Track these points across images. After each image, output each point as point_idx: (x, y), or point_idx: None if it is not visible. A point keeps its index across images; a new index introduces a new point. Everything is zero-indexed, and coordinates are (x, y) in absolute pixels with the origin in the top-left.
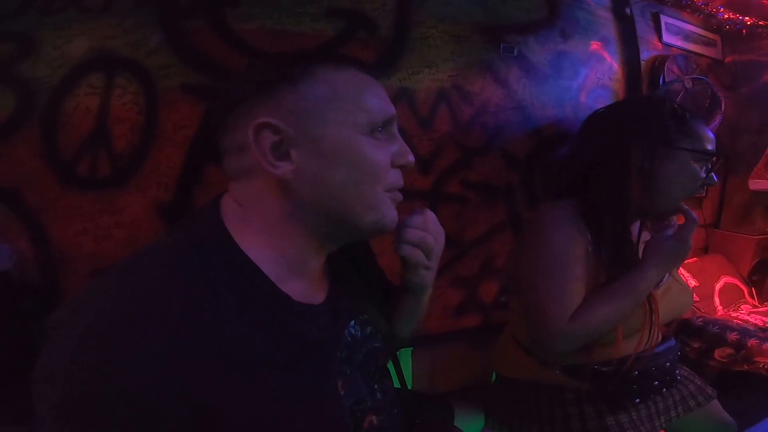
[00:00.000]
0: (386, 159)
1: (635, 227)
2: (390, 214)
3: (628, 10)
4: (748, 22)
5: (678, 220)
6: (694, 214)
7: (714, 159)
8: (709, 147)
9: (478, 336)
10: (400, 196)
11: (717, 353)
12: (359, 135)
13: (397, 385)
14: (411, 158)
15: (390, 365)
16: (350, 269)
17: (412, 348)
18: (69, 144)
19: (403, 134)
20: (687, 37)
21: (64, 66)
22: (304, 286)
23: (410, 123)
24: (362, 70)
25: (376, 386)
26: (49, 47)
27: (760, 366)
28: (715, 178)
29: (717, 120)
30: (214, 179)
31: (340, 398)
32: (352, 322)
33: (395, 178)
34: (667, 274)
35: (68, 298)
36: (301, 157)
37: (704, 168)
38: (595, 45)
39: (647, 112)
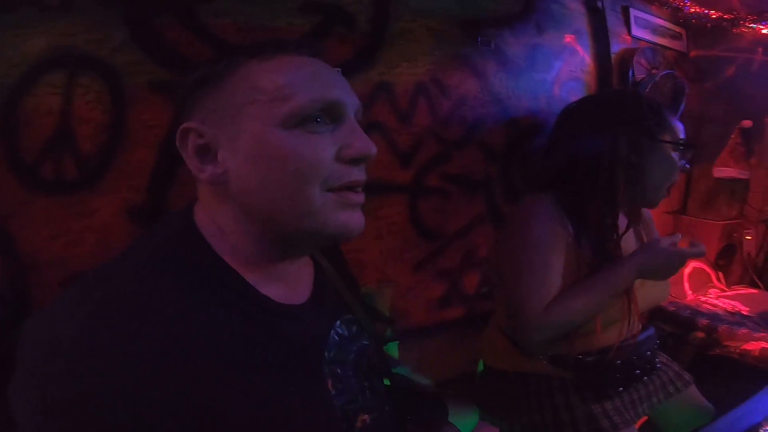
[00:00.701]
0: (321, 153)
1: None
2: (336, 220)
3: (599, 4)
4: (713, 16)
5: (681, 243)
6: (704, 248)
7: (685, 147)
8: (683, 136)
9: (462, 327)
10: (355, 198)
11: (689, 338)
12: (278, 129)
13: (387, 382)
14: (365, 149)
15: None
16: (332, 270)
17: (398, 342)
18: (31, 146)
19: (383, 128)
20: (655, 30)
21: (21, 65)
22: (284, 289)
23: (390, 117)
24: (299, 52)
25: (367, 384)
26: (5, 45)
27: (732, 350)
28: (687, 164)
29: (680, 111)
30: (188, 180)
31: (331, 398)
32: (338, 321)
33: (342, 173)
34: None
35: (41, 307)
36: (225, 159)
37: (679, 156)
38: (568, 38)
39: (628, 108)
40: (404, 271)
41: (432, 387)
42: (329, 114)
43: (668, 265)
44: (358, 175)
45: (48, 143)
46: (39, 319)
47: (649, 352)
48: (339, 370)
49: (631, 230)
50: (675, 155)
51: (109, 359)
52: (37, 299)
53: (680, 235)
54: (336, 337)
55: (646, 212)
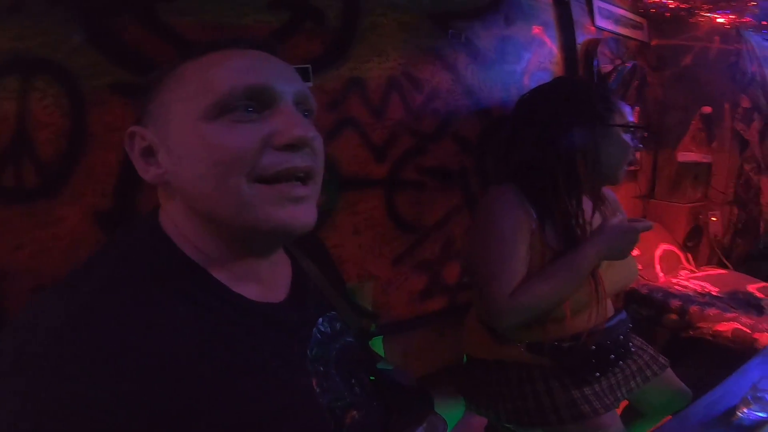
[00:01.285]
0: (244, 141)
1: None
2: (272, 215)
3: None
4: (671, 6)
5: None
6: (650, 223)
7: (635, 129)
8: (632, 119)
9: (446, 318)
10: (293, 191)
11: (663, 320)
12: (201, 121)
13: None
14: (297, 132)
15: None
16: (314, 268)
17: (382, 336)
18: None
19: (357, 124)
20: (617, 20)
21: None
22: (258, 288)
23: (362, 112)
24: (241, 47)
25: (353, 381)
26: None
27: (705, 332)
28: (639, 144)
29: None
30: None
31: (315, 396)
32: (320, 319)
33: (275, 161)
34: None
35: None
36: (164, 159)
37: (631, 137)
38: (536, 29)
39: (580, 97)
40: (384, 265)
41: (415, 381)
42: (258, 101)
43: (624, 242)
44: (298, 161)
45: (5, 150)
46: (5, 331)
47: (622, 336)
48: (322, 368)
49: (598, 213)
50: (627, 137)
51: (74, 372)
52: (6, 310)
53: (620, 207)
54: (318, 335)
55: (611, 194)
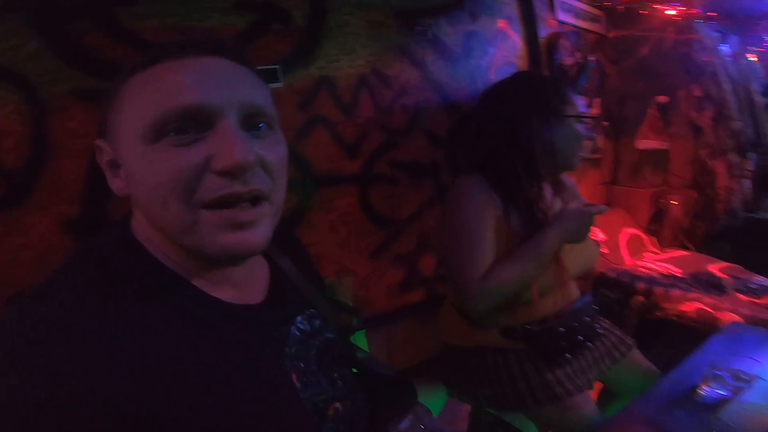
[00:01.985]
0: (183, 165)
1: (546, 192)
2: (214, 241)
3: None
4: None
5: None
6: (604, 206)
7: (586, 119)
8: (584, 109)
9: (426, 309)
10: (235, 216)
11: (632, 303)
12: (142, 144)
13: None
14: (228, 161)
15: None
16: (293, 268)
17: (364, 331)
18: None
19: (328, 122)
20: (577, 14)
21: None
22: (234, 291)
23: (333, 111)
24: (187, 54)
25: (336, 375)
26: None
27: (670, 312)
28: (590, 133)
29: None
30: None
31: (296, 392)
32: (299, 318)
33: (214, 185)
34: None
35: None
36: (124, 173)
37: (582, 126)
38: (501, 23)
39: (536, 90)
40: (362, 260)
41: (396, 373)
42: (195, 121)
43: (581, 224)
44: (238, 187)
45: None
46: None
47: (588, 318)
48: (302, 364)
49: (558, 199)
50: (580, 127)
51: (59, 372)
52: None
53: (604, 207)
54: (297, 333)
55: (570, 181)
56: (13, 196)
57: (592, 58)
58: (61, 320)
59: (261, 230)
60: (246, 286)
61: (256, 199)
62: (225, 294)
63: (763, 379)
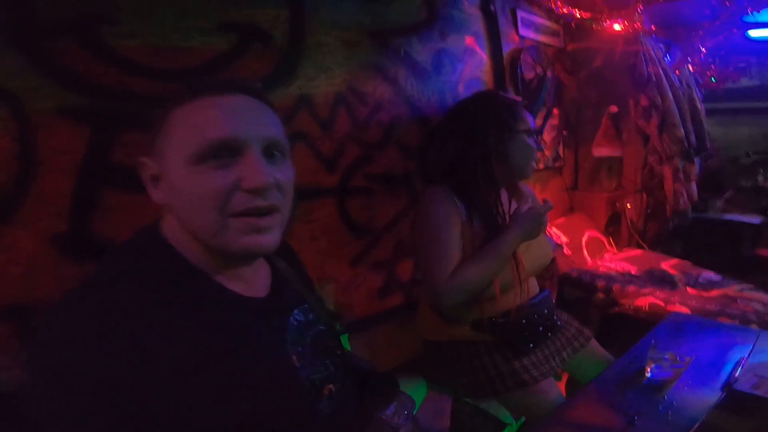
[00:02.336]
0: (219, 184)
1: (504, 198)
2: (237, 242)
3: (492, 7)
4: (577, 16)
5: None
6: (551, 203)
7: (535, 133)
8: (533, 125)
9: (405, 313)
10: (260, 223)
11: (593, 300)
12: (186, 166)
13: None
14: (255, 181)
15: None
16: (288, 269)
17: (347, 335)
18: None
19: (307, 138)
20: (537, 29)
21: None
22: (245, 286)
23: (312, 127)
24: (221, 92)
25: (328, 361)
26: None
27: (626, 307)
28: (541, 146)
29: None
30: (113, 204)
31: (296, 369)
32: (296, 310)
33: (243, 201)
34: None
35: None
36: (164, 186)
37: (533, 140)
38: (468, 40)
39: (490, 109)
40: (342, 267)
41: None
42: (230, 150)
43: (535, 222)
44: (261, 201)
45: None
46: (45, 322)
47: (546, 311)
48: (300, 349)
49: (515, 204)
50: (530, 140)
51: (107, 353)
52: None
53: (531, 192)
54: (295, 322)
55: (527, 188)
56: (0, 212)
57: (549, 74)
58: (109, 304)
59: (274, 235)
60: (253, 282)
61: (271, 211)
62: (237, 287)
63: (699, 360)
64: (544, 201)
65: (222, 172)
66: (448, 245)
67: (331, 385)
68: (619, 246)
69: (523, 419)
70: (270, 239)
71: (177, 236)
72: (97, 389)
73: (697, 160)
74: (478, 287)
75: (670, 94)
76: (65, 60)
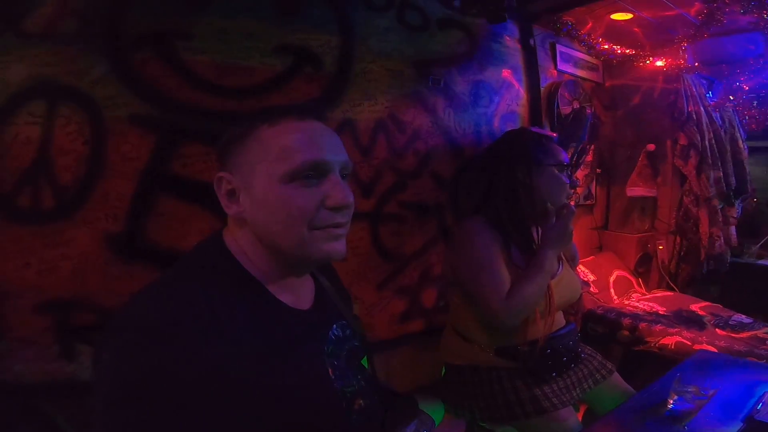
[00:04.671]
0: (309, 203)
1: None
2: (320, 249)
3: (532, 41)
4: (619, 52)
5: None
6: (572, 207)
7: (565, 166)
8: (564, 159)
9: (423, 340)
10: (337, 232)
11: (618, 336)
12: (279, 184)
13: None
14: (340, 200)
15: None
16: (330, 286)
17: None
18: (7, 175)
19: None
20: (576, 63)
21: (1, 93)
22: (293, 297)
23: (353, 151)
24: (301, 117)
25: (359, 376)
26: None
27: (652, 345)
28: (575, 181)
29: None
30: (166, 210)
31: (331, 380)
32: (335, 325)
33: (326, 217)
34: (560, 265)
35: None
36: (244, 201)
37: (566, 174)
38: (506, 72)
39: (518, 144)
40: (369, 290)
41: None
42: (317, 171)
43: (561, 233)
44: (340, 218)
45: (26, 173)
46: (121, 315)
47: (571, 343)
48: (336, 362)
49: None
50: (562, 175)
51: (160, 339)
52: (10, 325)
53: (573, 208)
54: (333, 336)
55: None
56: (61, 210)
57: (589, 110)
58: (180, 306)
59: (344, 242)
60: (300, 294)
61: (345, 224)
62: (287, 298)
63: (722, 393)
64: (566, 206)
65: (310, 191)
66: (498, 269)
67: (361, 401)
68: (649, 287)
69: None
70: (344, 246)
71: (242, 248)
72: (165, 384)
73: (737, 202)
74: (535, 303)
75: (711, 133)
76: (143, 71)
